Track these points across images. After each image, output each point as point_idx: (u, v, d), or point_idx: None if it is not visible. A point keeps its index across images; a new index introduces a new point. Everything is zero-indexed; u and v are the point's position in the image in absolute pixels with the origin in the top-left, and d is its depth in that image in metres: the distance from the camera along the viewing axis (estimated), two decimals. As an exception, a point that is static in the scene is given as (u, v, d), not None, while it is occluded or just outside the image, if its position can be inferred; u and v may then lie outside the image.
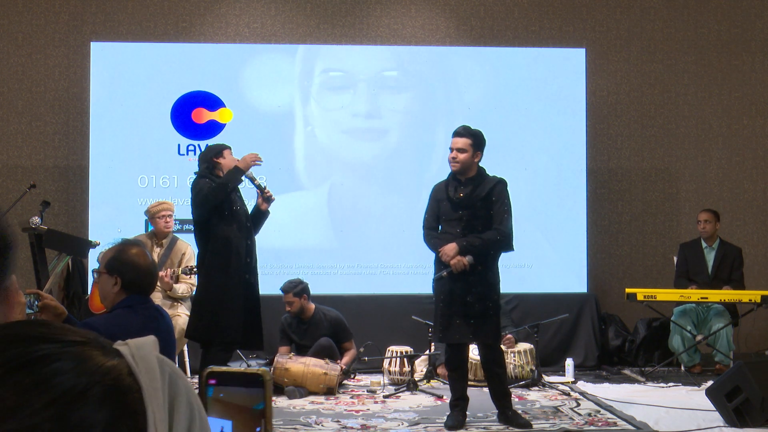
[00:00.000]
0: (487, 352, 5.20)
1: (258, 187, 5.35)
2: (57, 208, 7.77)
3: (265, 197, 5.34)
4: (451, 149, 5.12)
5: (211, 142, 7.64)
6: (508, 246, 5.16)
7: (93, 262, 6.37)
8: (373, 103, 7.81)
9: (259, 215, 5.41)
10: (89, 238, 6.82)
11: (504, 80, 7.86)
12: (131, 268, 3.08)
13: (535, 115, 7.83)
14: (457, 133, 5.14)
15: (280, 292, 6.67)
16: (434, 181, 5.39)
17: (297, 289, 6.49)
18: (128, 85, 7.63)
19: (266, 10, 8.29)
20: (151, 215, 6.48)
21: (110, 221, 7.41)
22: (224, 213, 5.12)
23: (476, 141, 5.12)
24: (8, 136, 8.09)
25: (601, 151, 8.37)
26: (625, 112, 8.48)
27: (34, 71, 8.12)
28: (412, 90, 7.85)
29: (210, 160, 5.24)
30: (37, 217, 6.05)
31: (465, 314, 5.03)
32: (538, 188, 7.75)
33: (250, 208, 5.46)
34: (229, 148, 5.36)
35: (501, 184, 5.18)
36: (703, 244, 7.47)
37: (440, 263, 5.09)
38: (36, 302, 3.17)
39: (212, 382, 1.45)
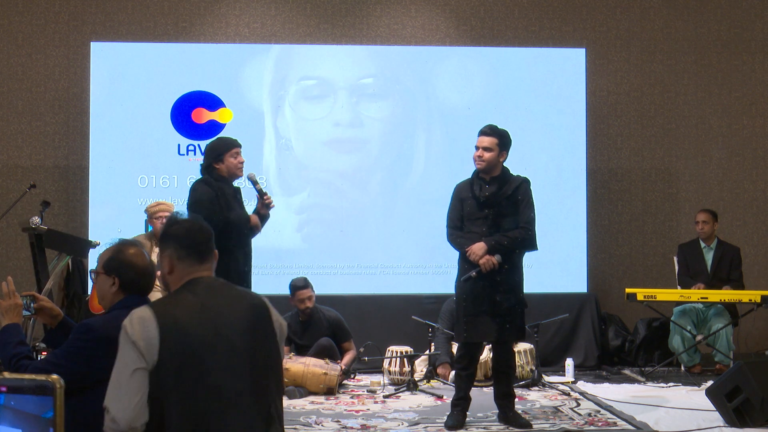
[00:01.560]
0: (499, 351, 5.19)
1: (259, 192, 5.24)
2: (57, 208, 7.77)
3: (264, 203, 5.22)
4: (477, 147, 5.11)
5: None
6: (532, 245, 5.17)
7: (93, 262, 6.36)
8: (372, 103, 7.81)
9: (259, 218, 5.26)
10: (89, 238, 6.82)
11: (504, 80, 7.86)
12: (129, 268, 3.08)
13: (535, 115, 7.82)
14: (484, 132, 5.13)
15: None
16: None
17: (310, 284, 6.56)
18: (128, 85, 7.63)
19: (266, 10, 8.29)
20: (150, 215, 6.48)
21: (110, 221, 7.41)
22: (223, 222, 4.97)
23: (502, 141, 5.13)
24: (8, 136, 8.09)
25: (601, 151, 8.37)
26: (625, 112, 8.48)
27: (34, 71, 8.12)
28: (412, 90, 7.84)
29: (211, 162, 5.11)
30: (37, 217, 6.03)
31: (492, 313, 5.02)
32: (538, 188, 7.70)
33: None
34: (235, 148, 5.14)
35: (526, 183, 5.20)
36: (702, 244, 7.47)
37: (467, 262, 5.07)
38: (32, 304, 3.16)
39: (2, 389, 1.41)
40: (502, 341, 5.12)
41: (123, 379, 2.37)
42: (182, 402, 2.35)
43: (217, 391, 2.41)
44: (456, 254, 5.22)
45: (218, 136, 5.60)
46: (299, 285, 6.55)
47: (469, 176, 5.26)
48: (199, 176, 5.19)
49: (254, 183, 5.23)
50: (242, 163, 5.16)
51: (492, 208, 5.09)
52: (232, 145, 5.16)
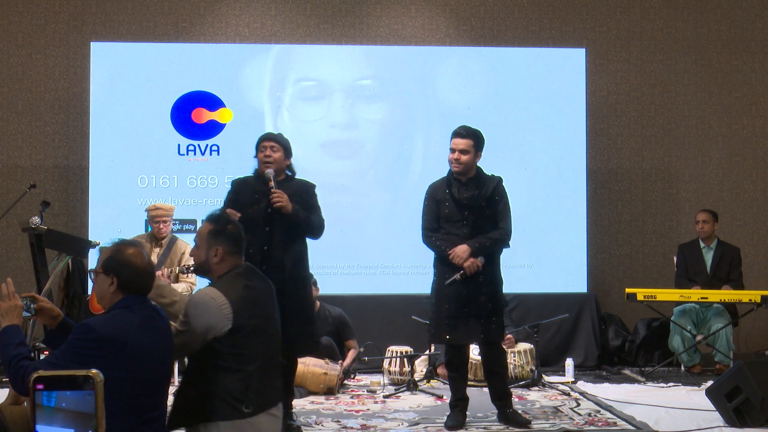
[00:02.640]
0: (489, 352, 5.19)
1: (269, 189, 4.89)
2: (57, 208, 7.77)
3: (272, 202, 4.87)
4: (453, 150, 5.07)
5: (211, 142, 7.68)
6: (507, 244, 5.18)
7: (93, 262, 6.36)
8: (372, 104, 7.80)
9: (289, 218, 4.88)
10: (89, 238, 6.83)
11: (504, 80, 7.86)
12: (128, 268, 3.08)
13: (535, 115, 7.82)
14: (458, 134, 5.09)
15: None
16: (431, 179, 5.37)
17: (313, 278, 6.56)
18: (128, 85, 7.63)
19: (266, 10, 8.29)
20: (150, 217, 6.49)
21: (110, 221, 7.41)
22: (242, 220, 4.69)
23: (477, 141, 5.09)
24: (8, 136, 8.09)
25: (601, 151, 8.37)
26: (625, 112, 8.48)
27: (34, 71, 8.12)
28: (412, 90, 7.84)
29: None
30: (37, 217, 6.04)
31: (476, 314, 5.01)
32: (538, 188, 7.75)
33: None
34: (263, 141, 4.96)
35: (501, 182, 5.18)
36: (702, 245, 7.47)
37: (448, 265, 5.03)
38: (32, 305, 3.16)
39: (39, 387, 1.38)
40: (489, 342, 5.12)
41: (194, 340, 3.25)
42: (251, 344, 3.28)
43: (270, 341, 3.44)
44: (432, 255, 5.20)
45: None
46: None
47: (442, 177, 5.23)
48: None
49: (267, 181, 4.92)
50: (267, 157, 4.92)
51: (472, 210, 5.08)
52: (260, 139, 5.03)
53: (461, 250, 4.99)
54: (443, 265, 5.08)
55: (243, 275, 3.40)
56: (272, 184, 4.91)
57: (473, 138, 5.07)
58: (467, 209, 5.07)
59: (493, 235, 5.06)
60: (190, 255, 3.69)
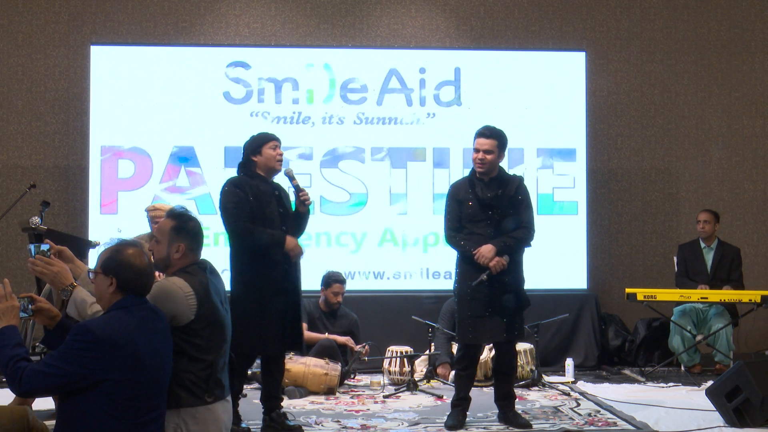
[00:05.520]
0: (504, 351, 5.18)
1: (296, 188, 4.94)
2: (57, 208, 7.76)
3: (300, 200, 4.93)
4: (477, 150, 5.07)
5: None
6: (529, 243, 5.18)
7: (93, 262, 6.36)
8: (373, 104, 7.80)
9: (299, 217, 4.98)
10: (89, 238, 6.82)
11: (504, 80, 7.85)
12: (127, 269, 3.07)
13: (536, 116, 7.82)
14: (483, 134, 5.09)
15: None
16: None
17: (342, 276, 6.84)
18: (128, 86, 7.61)
19: (266, 10, 8.29)
20: (149, 218, 6.49)
21: (110, 221, 7.41)
22: (256, 220, 4.79)
23: (501, 142, 5.10)
24: (8, 136, 8.09)
25: (601, 151, 8.37)
26: (625, 112, 8.48)
27: (34, 71, 8.12)
28: (411, 90, 7.83)
29: (249, 155, 4.91)
30: (37, 217, 6.03)
31: (501, 314, 5.01)
32: (538, 187, 7.74)
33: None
34: (274, 140, 4.93)
35: (523, 181, 5.21)
36: (702, 245, 7.47)
37: (472, 265, 5.02)
38: (30, 306, 3.15)
39: None
40: (508, 341, 5.12)
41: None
42: (212, 336, 3.38)
43: (227, 336, 3.52)
44: (454, 255, 5.21)
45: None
46: (341, 279, 6.76)
47: (465, 176, 5.26)
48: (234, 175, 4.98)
49: (291, 179, 4.97)
50: (281, 155, 4.95)
51: (495, 210, 5.08)
52: (271, 137, 4.96)
53: (486, 250, 4.98)
54: (467, 265, 5.08)
55: (205, 270, 3.48)
56: (297, 182, 4.96)
57: (497, 138, 5.09)
58: (491, 209, 5.08)
59: (517, 234, 5.07)
60: (149, 249, 3.63)
